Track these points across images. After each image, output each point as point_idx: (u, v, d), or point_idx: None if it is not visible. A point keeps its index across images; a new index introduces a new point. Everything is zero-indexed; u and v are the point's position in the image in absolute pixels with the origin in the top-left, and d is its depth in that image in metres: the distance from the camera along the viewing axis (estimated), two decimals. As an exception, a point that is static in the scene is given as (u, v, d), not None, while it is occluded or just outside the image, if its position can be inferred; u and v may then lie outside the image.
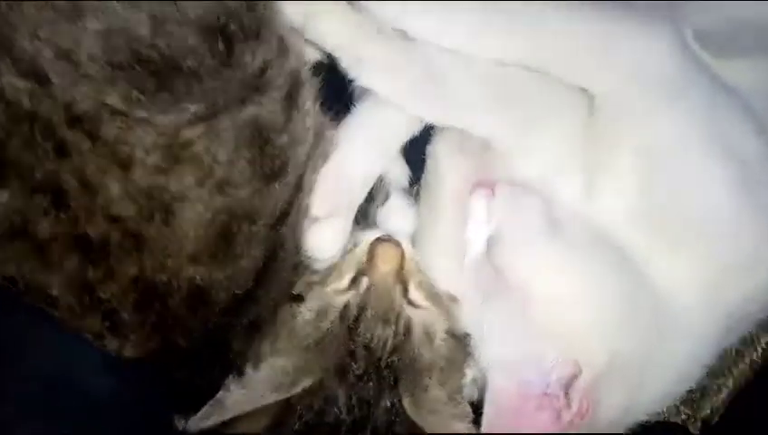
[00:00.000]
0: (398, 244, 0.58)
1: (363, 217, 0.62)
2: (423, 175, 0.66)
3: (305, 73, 0.55)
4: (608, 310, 0.56)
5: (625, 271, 0.57)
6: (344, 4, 0.53)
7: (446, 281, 0.62)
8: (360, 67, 0.55)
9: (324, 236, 0.57)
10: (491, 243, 0.60)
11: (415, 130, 0.62)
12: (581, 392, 0.54)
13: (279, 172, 0.50)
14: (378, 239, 0.58)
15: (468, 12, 0.56)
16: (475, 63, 0.58)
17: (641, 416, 0.59)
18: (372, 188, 0.62)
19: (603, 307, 0.56)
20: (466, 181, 0.63)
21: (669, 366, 0.58)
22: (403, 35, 0.56)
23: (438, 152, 0.65)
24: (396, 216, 0.65)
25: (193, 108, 0.46)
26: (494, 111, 0.60)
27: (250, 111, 0.49)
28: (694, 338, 0.58)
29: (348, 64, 0.55)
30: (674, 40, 0.56)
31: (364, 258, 0.57)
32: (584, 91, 0.60)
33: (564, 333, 0.55)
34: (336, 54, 0.55)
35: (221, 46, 0.46)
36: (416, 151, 0.66)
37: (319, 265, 0.57)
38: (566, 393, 0.54)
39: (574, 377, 0.54)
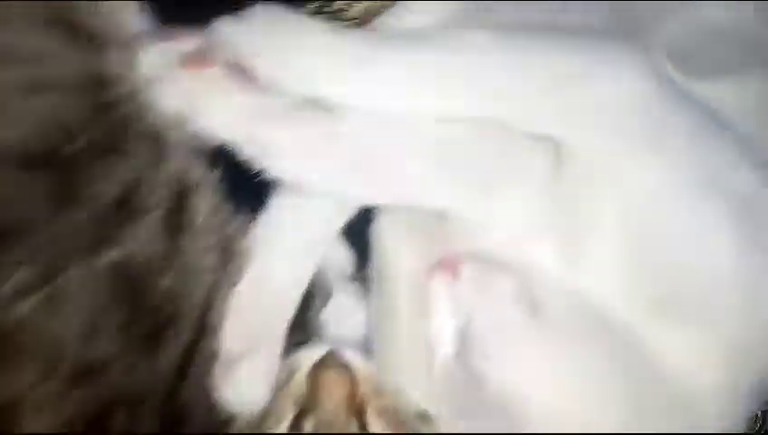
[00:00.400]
0: (345, 367, 0.46)
1: (299, 328, 0.50)
2: (370, 260, 0.55)
3: (196, 173, 0.43)
4: (620, 415, 0.45)
5: (629, 361, 0.47)
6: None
7: (412, 395, 0.51)
8: (268, 156, 0.43)
9: (242, 381, 0.44)
10: (462, 341, 0.49)
11: (349, 214, 0.51)
12: None
13: (165, 328, 0.38)
14: (319, 365, 0.46)
15: (403, 64, 0.46)
16: (415, 126, 0.47)
17: None
18: (308, 289, 0.51)
19: (615, 413, 0.45)
20: (423, 264, 0.52)
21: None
22: (318, 107, 0.44)
23: (384, 233, 0.53)
24: (342, 318, 0.53)
25: (20, 274, 0.34)
26: (445, 179, 0.49)
27: (111, 255, 0.37)
28: (717, 421, 0.48)
29: (252, 154, 0.43)
30: (646, 71, 0.46)
31: (304, 390, 0.45)
32: (548, 141, 0.50)
33: None
34: (235, 145, 0.43)
35: (55, 183, 0.34)
36: (360, 228, 0.55)
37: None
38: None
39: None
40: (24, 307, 0.34)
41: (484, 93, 0.47)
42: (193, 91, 0.41)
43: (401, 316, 0.51)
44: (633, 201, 0.48)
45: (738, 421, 0.50)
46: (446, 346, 0.50)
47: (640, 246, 0.48)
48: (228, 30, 0.42)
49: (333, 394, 0.45)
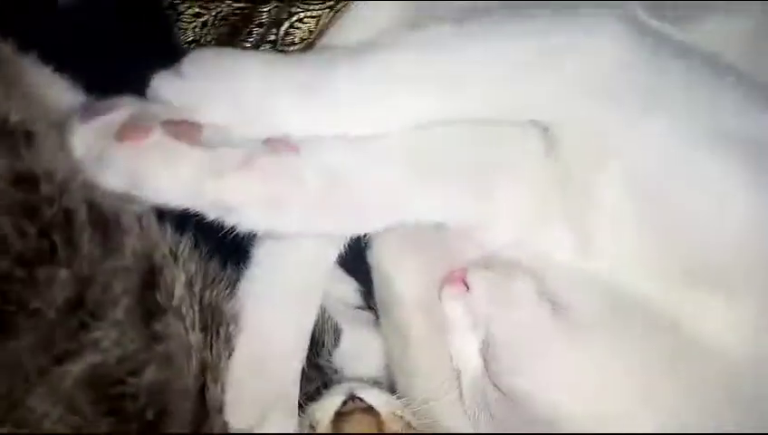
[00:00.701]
0: (368, 410, 0.43)
1: (315, 372, 0.47)
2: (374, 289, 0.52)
3: (163, 246, 0.40)
4: (663, 409, 0.41)
5: (666, 341, 0.42)
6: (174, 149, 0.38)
7: (445, 419, 0.47)
8: (233, 212, 0.39)
9: None
10: (487, 356, 0.45)
11: (339, 246, 0.47)
12: None
13: (159, 424, 0.36)
14: (341, 414, 0.43)
15: (368, 76, 0.42)
16: (387, 142, 0.44)
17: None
18: (315, 333, 0.47)
19: (656, 407, 0.41)
20: (429, 282, 0.49)
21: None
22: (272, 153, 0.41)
23: (382, 259, 0.50)
24: (358, 352, 0.50)
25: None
26: (433, 190, 0.45)
27: (75, 370, 0.34)
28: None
29: (216, 214, 0.39)
30: (626, 33, 0.42)
31: None
32: (535, 127, 0.46)
33: None
34: (194, 209, 0.39)
35: None
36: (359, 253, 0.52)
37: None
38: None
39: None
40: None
41: (457, 88, 0.43)
42: (136, 164, 0.37)
43: (416, 341, 0.48)
44: (639, 170, 0.44)
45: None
46: (472, 364, 0.46)
47: (655, 215, 0.43)
48: (164, 87, 0.40)
49: None
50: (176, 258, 0.40)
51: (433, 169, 0.45)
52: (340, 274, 0.53)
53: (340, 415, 0.43)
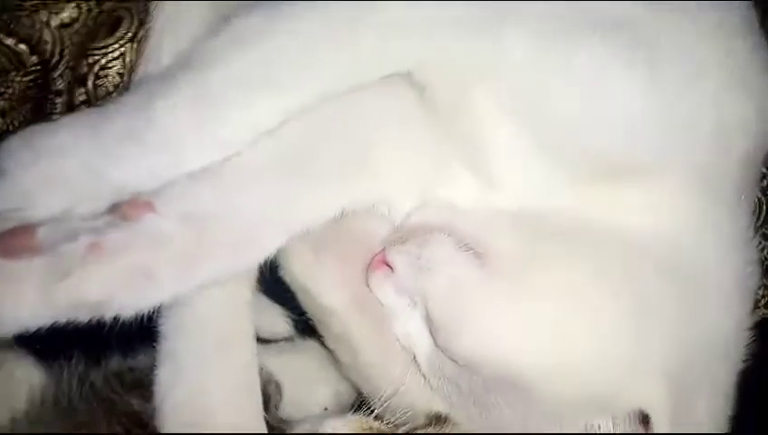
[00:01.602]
0: None
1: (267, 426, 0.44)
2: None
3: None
4: (616, 323, 0.39)
5: (595, 252, 0.41)
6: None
7: (420, 404, 0.45)
8: (101, 306, 0.34)
9: None
10: (430, 328, 0.43)
11: (249, 280, 0.44)
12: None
13: None
14: None
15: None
16: (237, 160, 0.39)
17: (736, 369, 0.44)
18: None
19: (609, 324, 0.39)
20: (351, 280, 0.46)
21: (725, 302, 0.42)
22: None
23: (295, 275, 0.46)
24: (303, 395, 0.47)
25: None
26: (305, 186, 0.41)
27: None
28: (723, 250, 0.42)
29: (83, 315, 0.34)
30: None
31: None
32: (397, 81, 0.42)
33: (595, 394, 0.38)
34: (50, 322, 0.34)
35: None
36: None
37: None
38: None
39: (646, 425, 0.38)
40: None
41: (290, 78, 0.39)
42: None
43: (361, 344, 0.45)
44: (508, 87, 0.41)
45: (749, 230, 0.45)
46: (422, 342, 0.44)
47: (540, 125, 0.41)
48: None
49: None
50: None
51: (307, 165, 0.42)
52: (265, 303, 0.50)
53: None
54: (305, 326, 0.51)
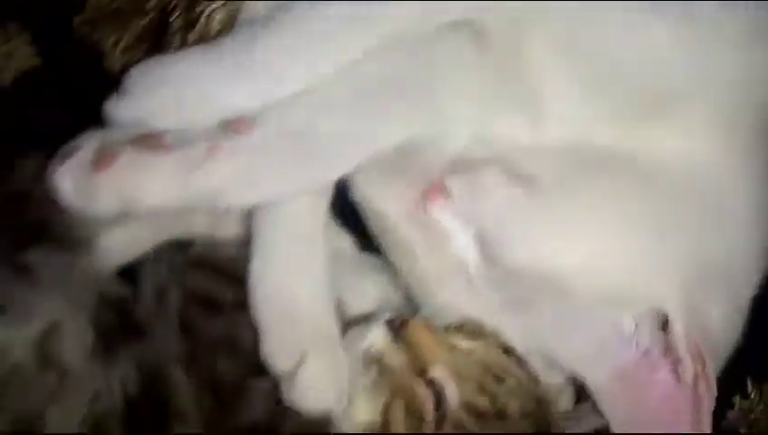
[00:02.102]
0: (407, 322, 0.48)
1: None
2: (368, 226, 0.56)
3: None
4: (643, 236, 0.46)
5: (629, 180, 0.47)
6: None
7: (466, 308, 0.52)
8: (218, 197, 0.43)
9: (312, 386, 0.46)
10: (482, 246, 0.50)
11: (329, 196, 0.51)
12: (682, 335, 0.44)
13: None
14: (395, 327, 0.47)
15: (287, 38, 0.45)
16: (324, 90, 0.47)
17: (751, 291, 0.50)
18: None
19: (637, 237, 0.46)
20: (411, 199, 0.53)
21: (741, 230, 0.48)
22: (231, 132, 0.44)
23: (365, 194, 0.54)
24: (365, 298, 0.54)
25: None
26: (380, 117, 0.49)
27: None
28: (741, 185, 0.48)
29: (204, 205, 0.43)
30: None
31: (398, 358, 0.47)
32: (462, 27, 0.49)
33: (621, 292, 0.45)
34: (178, 207, 0.43)
35: None
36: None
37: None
38: (669, 352, 0.44)
39: (662, 324, 0.45)
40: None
41: (375, 17, 0.46)
42: (120, 185, 0.41)
43: (421, 252, 0.52)
44: (562, 29, 0.47)
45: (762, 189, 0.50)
46: (473, 260, 0.51)
47: (588, 67, 0.47)
48: (116, 110, 0.43)
49: (424, 341, 0.47)
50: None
51: (380, 98, 0.49)
52: (335, 229, 0.57)
53: (394, 328, 0.48)
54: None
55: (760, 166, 0.49)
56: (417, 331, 0.48)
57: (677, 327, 0.44)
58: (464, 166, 0.51)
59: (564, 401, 0.52)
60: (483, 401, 0.45)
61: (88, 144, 0.41)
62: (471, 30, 0.49)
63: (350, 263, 0.57)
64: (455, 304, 0.52)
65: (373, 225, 0.55)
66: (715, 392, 0.44)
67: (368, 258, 0.57)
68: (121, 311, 0.45)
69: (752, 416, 0.51)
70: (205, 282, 0.50)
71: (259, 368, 0.46)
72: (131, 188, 0.41)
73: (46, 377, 0.41)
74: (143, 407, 0.43)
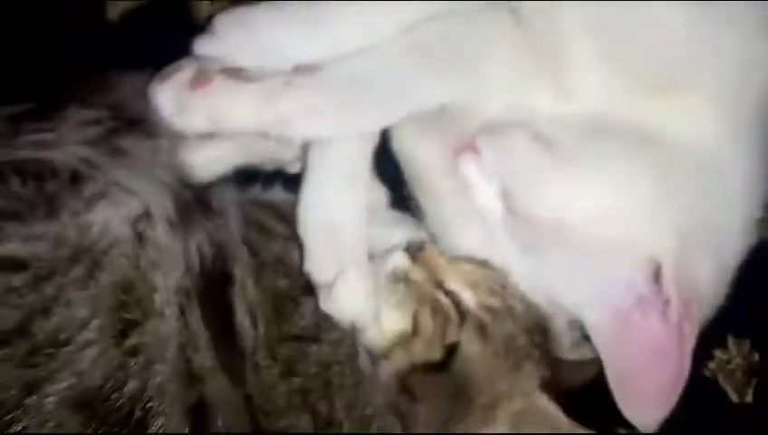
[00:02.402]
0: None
1: None
2: (404, 175, 0.63)
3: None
4: (645, 192, 0.52)
5: (638, 146, 0.54)
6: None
7: (484, 253, 0.59)
8: (288, 126, 0.51)
9: (345, 298, 0.53)
10: (504, 198, 0.57)
11: (374, 144, 0.58)
12: (672, 282, 0.51)
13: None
14: (415, 251, 0.55)
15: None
16: (384, 48, 0.54)
17: (737, 260, 0.56)
18: None
19: (639, 192, 0.52)
20: (446, 153, 0.60)
21: (734, 199, 0.55)
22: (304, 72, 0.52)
23: (404, 144, 0.61)
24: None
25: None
26: (430, 77, 0.56)
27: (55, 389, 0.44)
28: (737, 160, 0.55)
29: (275, 131, 0.51)
30: None
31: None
32: (501, 6, 0.56)
33: (622, 241, 0.52)
34: (255, 130, 0.51)
35: None
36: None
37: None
38: (660, 294, 0.51)
39: (656, 272, 0.52)
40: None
41: None
42: (211, 104, 0.49)
43: (449, 198, 0.59)
44: (591, 17, 0.54)
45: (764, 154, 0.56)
46: (495, 210, 0.58)
47: (612, 50, 0.54)
48: (204, 47, 0.51)
49: (439, 261, 0.55)
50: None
51: (432, 60, 0.55)
52: (372, 182, 0.63)
53: (413, 252, 0.55)
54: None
55: (755, 144, 0.55)
56: (432, 253, 0.57)
57: (669, 274, 0.51)
58: (493, 128, 0.58)
59: (565, 343, 0.60)
60: (494, 301, 0.53)
61: (187, 67, 0.48)
62: (510, 6, 0.57)
63: (380, 213, 0.65)
64: (473, 249, 0.59)
65: (408, 172, 0.62)
66: (696, 333, 0.51)
67: (395, 212, 0.65)
68: (197, 191, 0.53)
69: (728, 367, 0.58)
70: (261, 214, 0.58)
71: (308, 287, 0.54)
72: (220, 109, 0.49)
73: (147, 250, 0.49)
74: (213, 281, 0.51)
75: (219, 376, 0.50)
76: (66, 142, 0.50)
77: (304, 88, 0.50)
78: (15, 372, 0.45)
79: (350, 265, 0.53)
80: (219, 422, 0.50)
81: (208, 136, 0.52)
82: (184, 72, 0.49)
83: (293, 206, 0.57)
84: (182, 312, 0.50)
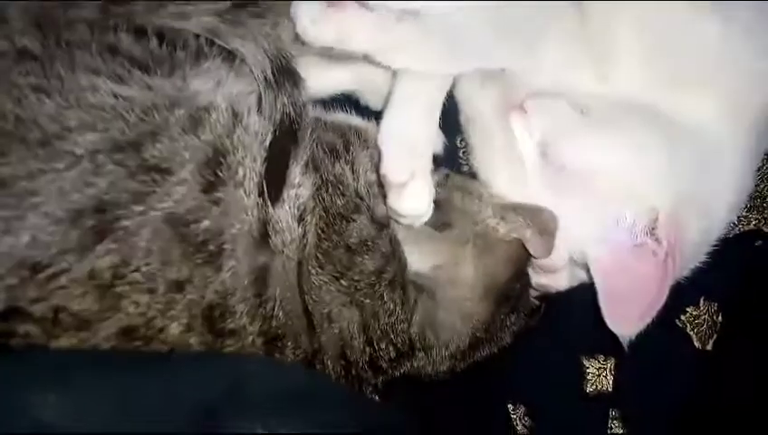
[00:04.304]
0: None
1: None
2: (460, 119, 0.76)
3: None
4: (655, 157, 0.66)
5: (656, 124, 0.67)
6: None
7: (516, 189, 0.72)
8: (394, 54, 0.64)
9: (413, 199, 0.66)
10: (543, 149, 0.70)
11: (448, 87, 0.71)
12: (664, 228, 0.64)
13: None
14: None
15: None
16: (474, 12, 0.67)
17: (719, 231, 0.70)
18: None
19: (651, 157, 0.66)
20: (500, 104, 0.72)
21: (725, 182, 0.68)
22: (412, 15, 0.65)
23: (467, 92, 0.74)
24: None
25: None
26: (504, 44, 0.69)
27: (159, 207, 0.57)
28: (734, 153, 0.68)
29: (382, 58, 0.64)
30: None
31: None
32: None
33: (631, 190, 0.65)
34: (369, 56, 0.64)
35: None
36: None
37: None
38: (653, 237, 0.64)
39: (654, 220, 0.64)
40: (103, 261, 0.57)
41: None
42: (341, 23, 0.61)
43: (497, 139, 0.72)
44: (638, 14, 0.67)
45: (764, 142, 0.69)
46: (531, 157, 0.71)
47: (650, 45, 0.67)
48: None
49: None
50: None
51: (502, 29, 0.69)
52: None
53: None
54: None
55: (750, 146, 0.69)
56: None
57: (663, 220, 0.64)
58: (540, 95, 0.72)
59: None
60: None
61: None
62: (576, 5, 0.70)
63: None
64: (507, 185, 0.72)
65: (465, 115, 0.75)
66: (675, 271, 0.64)
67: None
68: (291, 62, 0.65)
69: (696, 321, 0.71)
70: (330, 138, 0.71)
71: (357, 207, 0.67)
72: (345, 28, 0.61)
73: (239, 130, 0.62)
74: (284, 136, 0.63)
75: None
76: (198, 15, 0.63)
77: (412, 26, 0.63)
78: (126, 181, 0.57)
79: (420, 173, 0.66)
80: (277, 292, 0.62)
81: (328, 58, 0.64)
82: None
83: (359, 134, 0.70)
84: (262, 196, 0.62)
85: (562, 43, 0.70)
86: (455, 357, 0.70)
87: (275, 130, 0.63)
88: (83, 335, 0.57)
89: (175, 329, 0.59)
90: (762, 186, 0.75)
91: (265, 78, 0.63)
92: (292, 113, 0.64)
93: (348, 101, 0.76)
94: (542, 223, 0.68)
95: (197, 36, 0.64)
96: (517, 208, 0.70)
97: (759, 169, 0.74)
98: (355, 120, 0.74)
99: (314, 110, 0.72)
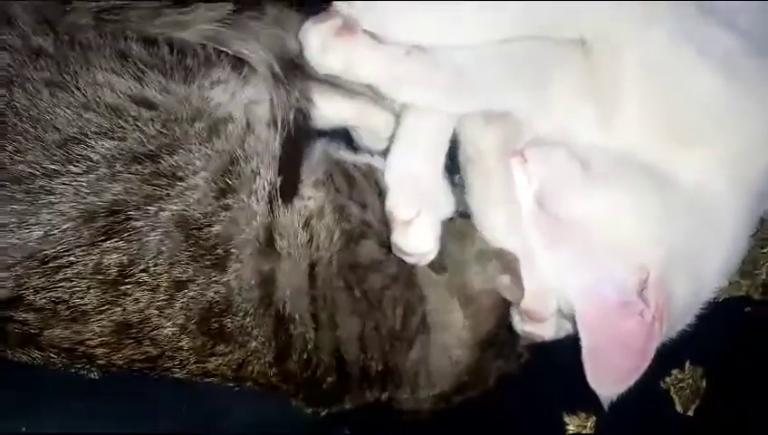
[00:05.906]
0: None
1: None
2: (459, 158, 0.75)
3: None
4: (651, 216, 0.65)
5: (654, 183, 0.67)
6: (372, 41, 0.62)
7: (508, 237, 0.71)
8: (399, 87, 0.64)
9: (418, 236, 0.66)
10: (539, 198, 0.69)
11: (454, 124, 0.71)
12: (654, 290, 0.63)
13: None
14: None
15: (463, 9, 0.65)
16: (483, 51, 0.67)
17: (708, 295, 0.69)
18: None
19: (647, 216, 0.65)
20: (501, 145, 0.72)
21: (718, 245, 0.67)
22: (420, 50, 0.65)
23: (468, 130, 0.72)
24: None
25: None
26: (510, 86, 0.69)
27: (171, 208, 0.59)
28: (731, 216, 0.68)
29: (387, 90, 0.64)
30: None
31: None
32: (575, 42, 0.69)
33: (624, 248, 0.64)
34: (376, 86, 0.64)
35: None
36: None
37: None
38: (642, 298, 0.63)
39: (644, 281, 0.64)
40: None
41: (529, 14, 0.67)
42: (350, 52, 0.62)
43: (496, 180, 0.71)
44: (642, 69, 0.66)
45: (759, 207, 0.69)
46: (528, 205, 0.71)
47: (652, 100, 0.66)
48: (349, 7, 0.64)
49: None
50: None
51: (511, 73, 0.68)
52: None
53: None
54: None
55: (749, 208, 0.68)
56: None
57: (653, 281, 0.63)
58: (541, 143, 0.72)
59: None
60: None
61: (337, 16, 0.62)
62: (581, 43, 0.70)
63: None
64: (498, 229, 0.72)
65: (465, 154, 0.73)
66: (662, 337, 0.63)
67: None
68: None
69: (680, 385, 0.70)
70: (339, 175, 0.71)
71: (363, 233, 0.68)
72: (354, 58, 0.61)
73: (251, 138, 0.64)
74: (298, 132, 0.64)
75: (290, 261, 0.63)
76: (197, 23, 0.64)
77: (420, 61, 0.63)
78: (140, 185, 0.59)
79: (426, 211, 0.66)
80: (286, 294, 0.63)
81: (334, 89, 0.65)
82: (335, 20, 0.62)
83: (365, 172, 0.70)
84: (270, 204, 0.63)
85: (569, 87, 0.70)
86: (438, 397, 0.70)
87: (289, 130, 0.64)
88: (76, 328, 0.59)
89: (168, 329, 0.60)
90: (754, 251, 0.75)
91: (273, 74, 0.64)
92: (305, 108, 0.65)
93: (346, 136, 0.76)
94: (510, 267, 0.69)
95: (204, 45, 0.65)
96: (495, 254, 0.70)
97: (754, 235, 0.74)
98: (362, 156, 0.75)
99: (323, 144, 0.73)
